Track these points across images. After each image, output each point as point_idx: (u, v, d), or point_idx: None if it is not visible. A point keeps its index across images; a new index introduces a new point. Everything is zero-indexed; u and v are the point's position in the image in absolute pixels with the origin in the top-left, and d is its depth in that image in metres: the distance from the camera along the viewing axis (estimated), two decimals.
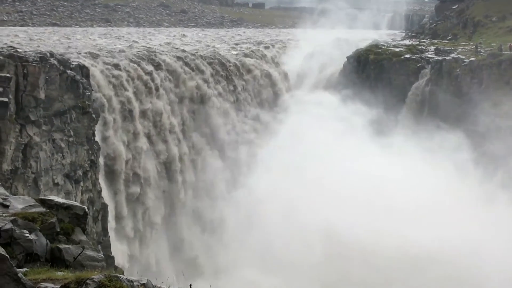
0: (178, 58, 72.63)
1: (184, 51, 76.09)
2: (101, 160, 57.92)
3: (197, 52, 77.38)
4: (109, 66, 63.21)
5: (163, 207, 66.44)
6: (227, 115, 75.09)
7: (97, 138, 56.92)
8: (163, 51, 73.80)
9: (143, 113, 64.85)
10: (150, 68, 66.99)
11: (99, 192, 56.01)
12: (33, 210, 16.28)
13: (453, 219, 56.29)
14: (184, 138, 69.79)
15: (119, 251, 58.42)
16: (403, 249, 53.44)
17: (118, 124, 61.62)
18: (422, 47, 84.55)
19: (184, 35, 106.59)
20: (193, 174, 70.35)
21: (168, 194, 67.16)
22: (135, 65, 65.68)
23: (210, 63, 75.79)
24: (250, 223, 62.78)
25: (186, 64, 72.40)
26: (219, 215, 68.23)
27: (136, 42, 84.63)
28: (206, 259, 66.55)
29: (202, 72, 73.80)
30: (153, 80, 66.31)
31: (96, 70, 60.60)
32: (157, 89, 66.77)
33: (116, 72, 63.06)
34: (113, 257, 51.23)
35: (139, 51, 70.80)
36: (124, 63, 64.65)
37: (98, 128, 57.20)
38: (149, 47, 74.87)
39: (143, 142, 63.97)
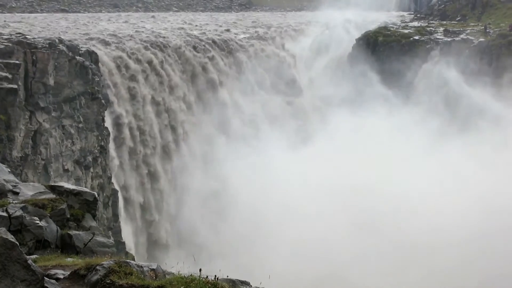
0: None
1: None
2: None
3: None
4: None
5: None
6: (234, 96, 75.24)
7: None
8: None
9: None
10: None
11: (109, 177, 56.10)
12: (43, 196, 16.38)
13: None
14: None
15: None
16: None
17: None
18: (431, 28, 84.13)
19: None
20: None
21: None
22: None
23: (211, 45, 75.97)
24: None
25: None
26: None
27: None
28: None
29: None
30: None
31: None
32: None
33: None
34: (123, 243, 51.42)
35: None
36: None
37: None
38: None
39: None
